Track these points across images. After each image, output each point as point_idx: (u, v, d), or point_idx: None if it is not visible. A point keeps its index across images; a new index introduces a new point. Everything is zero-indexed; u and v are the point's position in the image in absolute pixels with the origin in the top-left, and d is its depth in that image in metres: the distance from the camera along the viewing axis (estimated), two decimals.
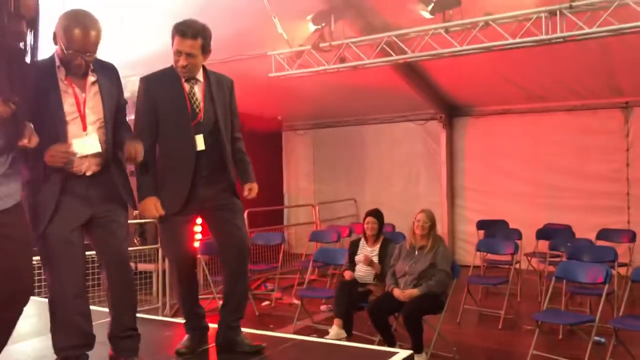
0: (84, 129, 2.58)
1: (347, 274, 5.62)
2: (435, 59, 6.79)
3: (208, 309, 6.55)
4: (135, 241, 8.10)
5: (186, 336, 3.12)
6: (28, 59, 2.18)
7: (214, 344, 3.13)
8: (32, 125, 2.30)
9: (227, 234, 3.00)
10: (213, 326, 3.22)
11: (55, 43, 2.56)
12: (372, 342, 4.80)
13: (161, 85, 2.94)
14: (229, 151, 3.03)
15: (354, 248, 5.81)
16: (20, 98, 2.13)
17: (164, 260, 6.90)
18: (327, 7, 6.61)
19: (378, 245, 5.64)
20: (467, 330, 6.02)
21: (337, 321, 5.18)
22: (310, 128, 11.31)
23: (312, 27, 6.78)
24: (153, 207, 2.88)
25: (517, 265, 6.58)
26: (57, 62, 2.58)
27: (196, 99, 2.95)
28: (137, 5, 6.16)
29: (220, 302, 3.17)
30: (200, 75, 2.99)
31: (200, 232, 8.46)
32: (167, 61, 3.04)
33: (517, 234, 7.24)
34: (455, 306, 5.89)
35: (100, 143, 2.61)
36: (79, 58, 2.52)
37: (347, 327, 5.16)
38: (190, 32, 2.84)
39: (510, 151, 9.20)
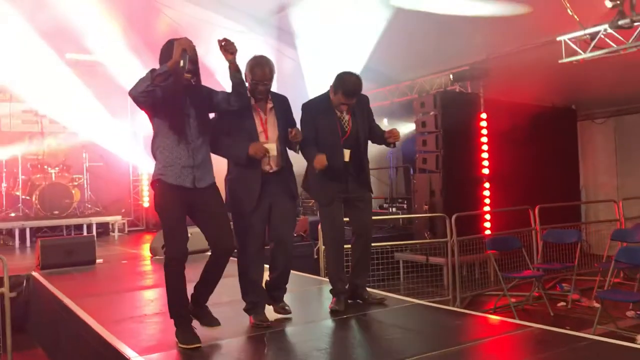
0: (266, 138, 3.60)
1: None
2: None
3: (499, 305, 6.62)
4: (426, 235, 8.42)
5: (334, 299, 3.93)
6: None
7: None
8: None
9: (359, 219, 3.94)
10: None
11: (246, 80, 3.51)
12: None
13: (318, 111, 3.87)
14: (366, 156, 3.94)
15: None
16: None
17: (452, 254, 7.05)
18: None
19: None
20: None
21: None
22: (611, 116, 10.29)
23: (608, 4, 6.19)
24: (323, 159, 3.65)
25: None
26: (248, 94, 3.53)
27: (345, 121, 3.87)
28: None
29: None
30: None
31: (489, 229, 8.46)
32: None
33: None
34: None
35: (277, 150, 3.60)
36: (260, 86, 3.54)
37: None
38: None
39: None
